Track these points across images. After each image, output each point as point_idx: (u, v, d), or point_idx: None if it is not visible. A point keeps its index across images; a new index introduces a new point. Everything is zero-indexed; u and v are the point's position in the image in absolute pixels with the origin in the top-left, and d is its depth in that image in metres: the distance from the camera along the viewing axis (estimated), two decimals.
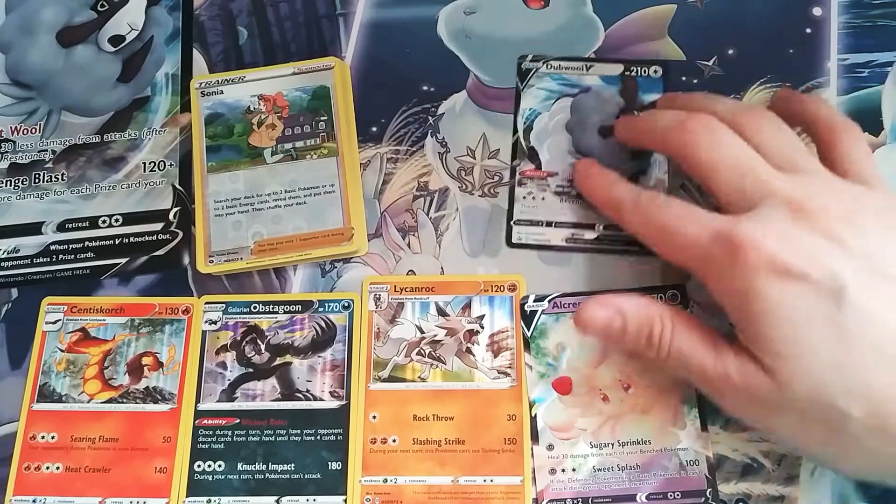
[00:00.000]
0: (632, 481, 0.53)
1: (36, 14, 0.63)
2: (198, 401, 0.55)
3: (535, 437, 0.54)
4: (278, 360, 0.55)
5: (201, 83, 0.61)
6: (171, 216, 0.59)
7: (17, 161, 0.61)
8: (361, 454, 0.54)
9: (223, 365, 0.56)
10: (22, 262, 0.58)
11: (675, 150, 0.49)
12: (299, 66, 0.61)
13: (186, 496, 0.53)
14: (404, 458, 0.54)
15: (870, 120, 0.59)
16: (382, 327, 0.56)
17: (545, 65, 0.61)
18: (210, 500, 0.53)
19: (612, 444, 0.53)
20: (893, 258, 0.42)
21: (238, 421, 0.54)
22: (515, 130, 0.59)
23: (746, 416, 0.47)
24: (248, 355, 0.56)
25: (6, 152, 0.61)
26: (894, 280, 0.42)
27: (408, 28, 0.62)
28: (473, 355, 0.55)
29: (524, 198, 0.58)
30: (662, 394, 0.54)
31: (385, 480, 0.53)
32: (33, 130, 0.61)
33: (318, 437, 0.54)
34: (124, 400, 0.55)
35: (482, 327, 0.56)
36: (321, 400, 0.55)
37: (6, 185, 0.60)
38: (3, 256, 0.58)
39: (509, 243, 0.57)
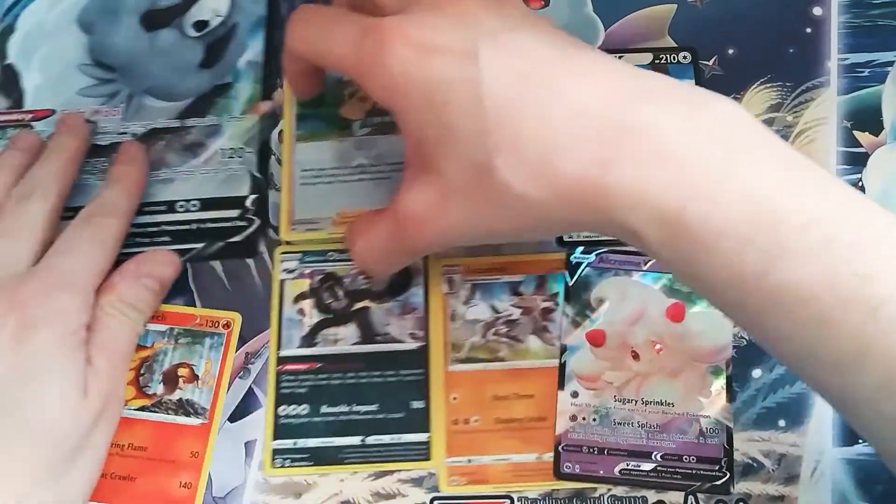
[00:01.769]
0: (650, 439, 0.54)
1: None
2: (278, 348, 0.56)
3: (561, 383, 0.55)
4: (357, 306, 0.57)
5: None
6: (248, 203, 0.59)
7: (98, 143, 0.61)
8: (445, 436, 0.55)
9: (301, 312, 0.57)
10: None
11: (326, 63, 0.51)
12: None
13: (273, 439, 0.54)
14: (488, 438, 0.55)
15: (870, 120, 0.60)
16: (457, 309, 0.57)
17: None
18: (296, 442, 0.54)
19: (636, 401, 0.55)
20: (523, 38, 0.44)
21: (320, 365, 0.56)
22: None
23: (444, 239, 0.49)
24: (327, 302, 0.57)
25: None
26: (522, 56, 0.43)
27: None
28: (550, 332, 0.57)
29: None
30: (693, 360, 0.55)
31: (470, 461, 0.54)
32: (114, 112, 0.62)
33: (400, 378, 0.55)
34: (156, 409, 0.55)
35: (557, 304, 0.57)
36: (401, 342, 0.56)
37: (86, 166, 0.60)
38: None
39: (560, 242, 0.58)
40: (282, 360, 0.56)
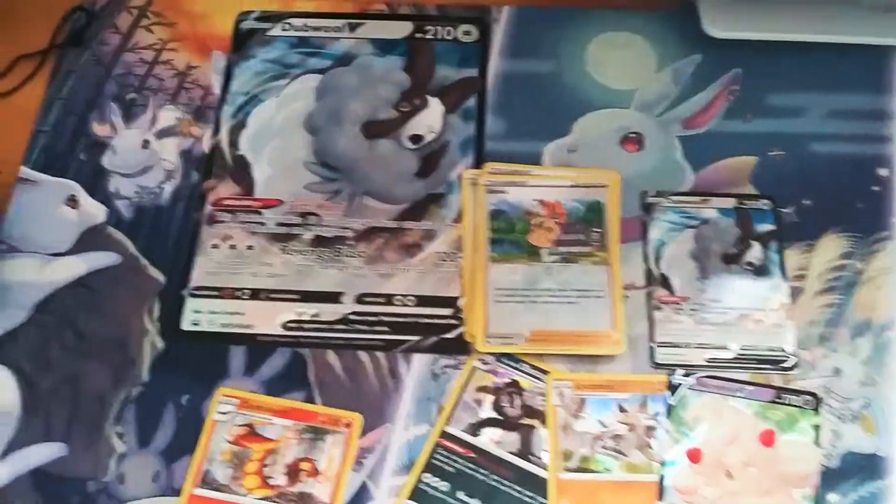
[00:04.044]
0: None
1: (345, 105, 0.68)
2: (447, 423, 0.60)
3: (660, 494, 0.58)
4: (527, 421, 0.60)
5: (489, 181, 0.67)
6: (459, 303, 0.64)
7: (322, 234, 0.66)
8: None
9: (478, 402, 0.61)
10: (322, 326, 0.63)
11: None
12: (577, 180, 0.68)
13: (409, 498, 0.58)
14: None
15: None
16: (567, 420, 0.61)
17: (667, 199, 0.68)
18: None
19: None
20: None
21: (475, 456, 0.59)
22: (645, 258, 0.66)
23: None
24: (503, 405, 0.61)
25: (312, 224, 0.66)
26: None
27: (516, 162, 0.69)
28: (652, 449, 0.60)
29: (662, 321, 0.64)
30: (784, 483, 0.58)
31: None
32: (337, 208, 0.67)
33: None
34: (278, 500, 0.58)
35: (658, 423, 0.61)
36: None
37: (310, 254, 0.65)
38: (305, 319, 0.63)
39: (653, 364, 0.63)
40: (444, 435, 0.60)
